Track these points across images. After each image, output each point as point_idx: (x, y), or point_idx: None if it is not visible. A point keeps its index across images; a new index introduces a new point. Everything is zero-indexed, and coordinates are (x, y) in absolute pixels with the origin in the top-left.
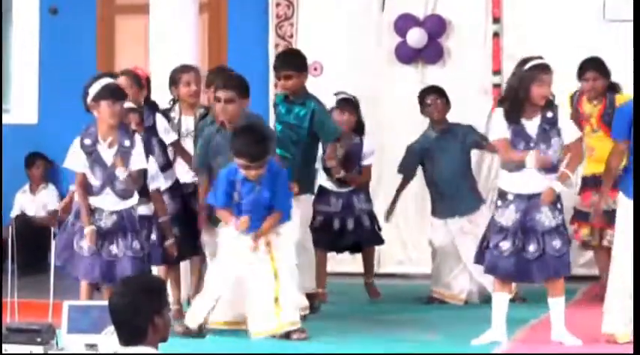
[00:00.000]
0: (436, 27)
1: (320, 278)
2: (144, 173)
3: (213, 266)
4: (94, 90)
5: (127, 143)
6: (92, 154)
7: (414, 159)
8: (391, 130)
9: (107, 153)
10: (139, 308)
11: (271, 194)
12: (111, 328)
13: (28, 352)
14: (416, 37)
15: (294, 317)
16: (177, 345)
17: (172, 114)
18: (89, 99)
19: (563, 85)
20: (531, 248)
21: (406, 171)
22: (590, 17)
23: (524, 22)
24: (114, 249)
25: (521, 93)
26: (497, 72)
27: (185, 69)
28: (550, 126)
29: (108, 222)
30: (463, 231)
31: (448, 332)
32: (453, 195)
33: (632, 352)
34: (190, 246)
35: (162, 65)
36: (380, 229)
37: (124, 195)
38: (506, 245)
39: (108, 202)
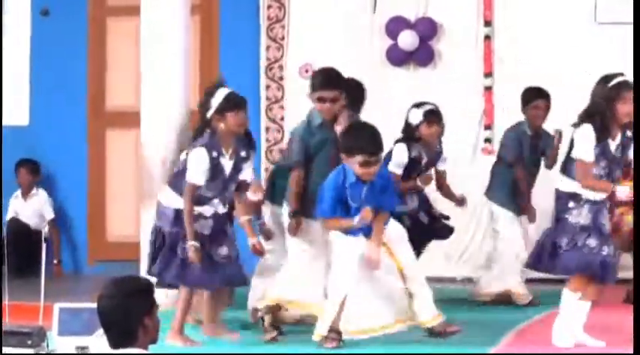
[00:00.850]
0: (427, 29)
1: None
2: None
3: (341, 274)
4: (216, 101)
5: (243, 153)
6: (217, 166)
7: (520, 146)
8: (382, 132)
9: (228, 165)
10: (129, 310)
11: (381, 194)
12: (102, 330)
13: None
14: (407, 39)
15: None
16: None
17: None
18: (211, 112)
19: (556, 88)
20: (609, 249)
21: (520, 156)
22: (582, 20)
23: (516, 25)
24: (222, 251)
25: (607, 112)
26: (488, 74)
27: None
28: (628, 145)
29: (205, 230)
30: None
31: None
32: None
33: (632, 352)
34: None
35: (153, 67)
36: None
37: (227, 203)
38: (593, 242)
39: (208, 209)
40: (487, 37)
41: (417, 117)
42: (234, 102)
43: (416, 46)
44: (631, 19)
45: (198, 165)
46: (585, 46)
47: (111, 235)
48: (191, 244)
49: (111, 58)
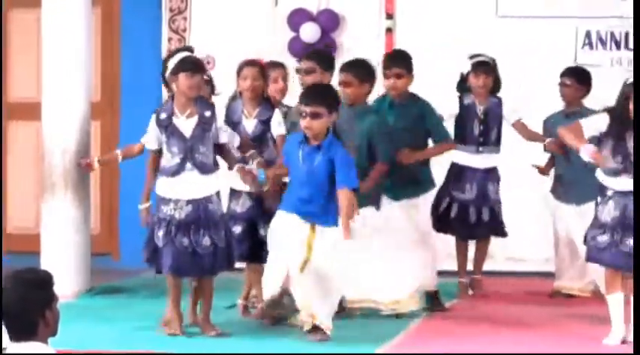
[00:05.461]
0: (329, 22)
1: (461, 268)
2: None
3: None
4: (172, 63)
5: (207, 113)
6: (168, 128)
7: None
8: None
9: (186, 125)
10: (29, 303)
11: None
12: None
13: None
14: (309, 31)
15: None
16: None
17: None
18: (167, 72)
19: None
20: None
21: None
22: (483, 13)
23: (417, 18)
24: (185, 240)
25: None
26: None
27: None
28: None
29: (182, 213)
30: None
31: None
32: (584, 179)
33: (632, 352)
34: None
35: (54, 58)
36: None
37: (205, 169)
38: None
39: (186, 187)
40: (389, 30)
41: (466, 67)
42: (187, 64)
43: (318, 38)
44: (533, 13)
45: (148, 130)
46: (487, 40)
47: (10, 227)
48: (142, 207)
49: (12, 50)
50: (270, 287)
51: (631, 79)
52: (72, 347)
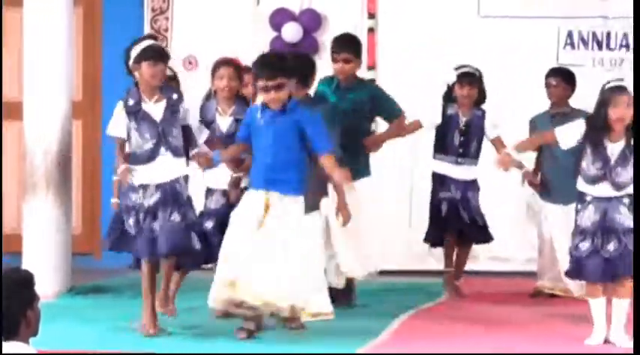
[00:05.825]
0: (311, 21)
1: (448, 261)
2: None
3: None
4: (135, 52)
5: (174, 96)
6: (138, 113)
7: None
8: None
9: (155, 109)
10: (12, 303)
11: None
12: None
13: None
14: (291, 31)
15: None
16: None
17: None
18: (131, 61)
19: (440, 82)
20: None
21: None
22: (465, 13)
23: (399, 18)
24: (155, 224)
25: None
26: (371, 67)
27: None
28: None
29: (151, 200)
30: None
31: None
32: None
33: (632, 352)
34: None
35: (36, 58)
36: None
37: (178, 152)
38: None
39: (158, 171)
40: (371, 30)
41: (452, 77)
42: (150, 53)
43: (300, 38)
44: (514, 13)
45: (113, 119)
46: (469, 40)
47: None
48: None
49: None
50: (215, 296)
51: (611, 84)
52: (53, 347)
